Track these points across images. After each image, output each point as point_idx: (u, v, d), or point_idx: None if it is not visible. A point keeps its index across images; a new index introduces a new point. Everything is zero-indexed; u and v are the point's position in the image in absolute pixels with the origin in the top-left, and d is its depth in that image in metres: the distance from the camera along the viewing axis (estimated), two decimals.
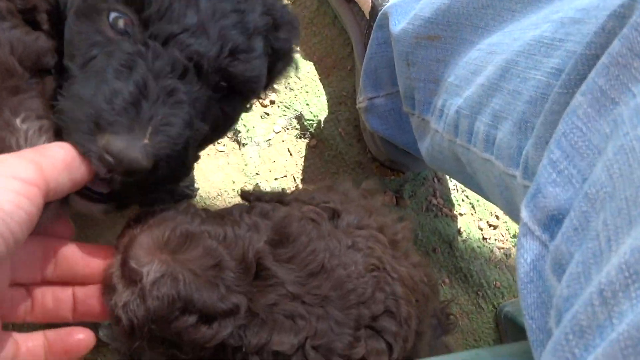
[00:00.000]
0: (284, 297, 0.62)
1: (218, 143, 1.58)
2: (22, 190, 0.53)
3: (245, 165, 1.60)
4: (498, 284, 1.66)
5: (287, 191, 1.36)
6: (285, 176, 1.62)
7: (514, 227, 1.70)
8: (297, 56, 0.86)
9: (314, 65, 1.71)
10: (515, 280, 1.69)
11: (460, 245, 1.67)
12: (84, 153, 0.61)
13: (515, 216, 0.81)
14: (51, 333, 0.64)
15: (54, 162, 0.57)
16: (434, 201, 1.69)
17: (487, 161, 0.79)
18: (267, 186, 1.58)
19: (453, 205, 1.70)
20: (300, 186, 1.64)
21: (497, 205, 0.88)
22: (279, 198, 0.73)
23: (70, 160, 0.59)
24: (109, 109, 0.60)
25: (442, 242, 1.68)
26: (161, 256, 0.61)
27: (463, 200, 1.70)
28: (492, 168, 0.77)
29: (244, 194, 0.76)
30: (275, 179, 1.60)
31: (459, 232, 1.68)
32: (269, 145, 1.66)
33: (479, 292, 1.65)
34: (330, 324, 0.62)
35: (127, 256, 0.62)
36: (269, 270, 0.63)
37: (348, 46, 1.72)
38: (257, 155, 1.62)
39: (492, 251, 1.68)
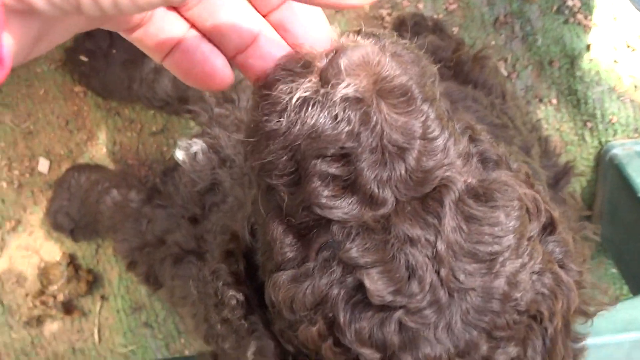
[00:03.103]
0: (426, 245, 0.54)
1: None
2: None
3: None
4: (614, 118, 1.47)
5: None
6: None
7: None
8: None
9: None
10: (636, 118, 1.51)
11: (585, 64, 1.45)
12: None
13: None
14: (192, 38, 0.55)
15: None
16: (569, 2, 1.43)
17: None
18: None
19: (591, 11, 1.44)
20: None
21: None
22: None
23: None
24: None
25: (564, 56, 1.45)
26: (369, 84, 0.52)
27: (605, 9, 1.43)
28: None
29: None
30: None
31: (587, 47, 1.45)
32: None
33: (587, 123, 1.48)
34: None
35: (341, 52, 0.52)
36: (440, 208, 0.55)
37: None
38: None
39: (620, 79, 1.46)
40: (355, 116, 0.51)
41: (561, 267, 0.62)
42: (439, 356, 0.54)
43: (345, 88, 0.51)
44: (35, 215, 1.48)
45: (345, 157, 0.53)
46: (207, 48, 0.55)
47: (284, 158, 0.54)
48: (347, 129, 0.51)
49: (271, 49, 0.56)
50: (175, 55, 0.55)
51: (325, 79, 0.51)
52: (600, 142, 1.48)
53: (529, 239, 0.59)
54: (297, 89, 0.52)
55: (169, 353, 1.52)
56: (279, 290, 0.58)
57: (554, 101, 1.48)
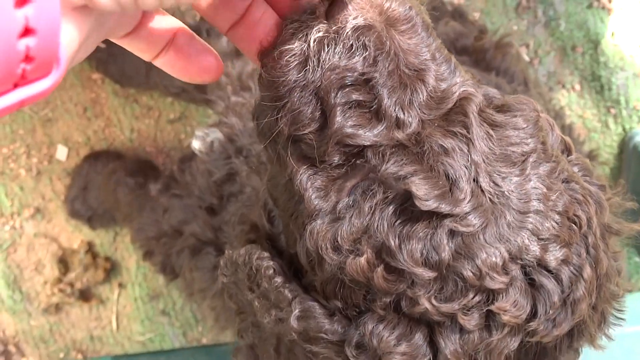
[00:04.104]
0: (460, 154, 0.56)
1: None
2: None
3: None
4: (639, 105, 1.47)
5: None
6: None
7: None
8: None
9: None
10: None
11: (609, 49, 1.44)
12: None
13: None
14: (183, 37, 0.58)
15: None
16: None
17: None
18: None
19: None
20: None
21: None
22: None
23: None
24: None
25: (588, 41, 1.44)
26: (374, 15, 0.56)
27: None
28: None
29: None
30: None
31: (612, 32, 1.44)
32: None
33: (611, 110, 1.47)
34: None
35: None
36: (465, 118, 0.57)
37: None
38: None
39: None
40: (369, 41, 0.55)
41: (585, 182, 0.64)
42: (494, 262, 0.54)
43: (355, 19, 0.55)
44: (54, 203, 1.50)
45: (366, 83, 0.56)
46: (199, 45, 0.59)
47: (311, 104, 0.57)
48: (364, 54, 0.55)
49: (263, 16, 0.59)
50: (170, 53, 0.58)
51: (334, 18, 0.55)
52: (624, 129, 1.48)
53: (554, 150, 0.61)
54: (310, 33, 0.56)
55: (187, 341, 1.54)
56: (319, 235, 0.58)
57: (577, 87, 1.47)
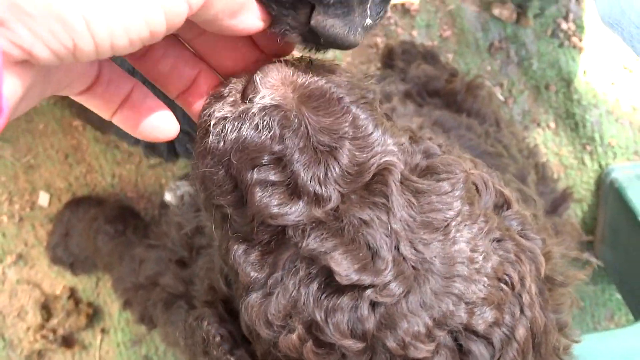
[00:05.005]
0: (380, 223, 0.56)
1: None
2: None
3: None
4: (614, 141, 1.49)
5: None
6: None
7: None
8: None
9: None
10: (636, 141, 1.54)
11: (581, 87, 1.48)
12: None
13: None
14: (138, 94, 0.60)
15: None
16: (564, 26, 1.46)
17: None
18: None
19: (586, 34, 1.47)
20: None
21: None
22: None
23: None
24: None
25: (560, 80, 1.48)
26: (287, 92, 0.56)
27: (600, 32, 1.47)
28: None
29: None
30: None
31: (583, 70, 1.48)
32: None
33: (587, 146, 1.50)
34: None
35: (259, 71, 0.57)
36: (385, 187, 0.57)
37: None
38: None
39: (617, 101, 1.49)
40: (274, 121, 0.55)
41: (521, 237, 0.63)
42: (417, 331, 0.54)
43: (262, 99, 0.55)
44: (36, 249, 1.52)
45: (279, 162, 0.56)
46: (152, 103, 0.60)
47: (220, 173, 0.58)
48: (269, 134, 0.55)
49: (210, 87, 0.61)
50: (124, 111, 0.59)
51: (245, 96, 0.56)
52: (600, 166, 1.51)
53: (483, 210, 0.60)
54: (214, 110, 0.57)
55: None
56: (252, 310, 0.59)
57: (552, 125, 1.51)
